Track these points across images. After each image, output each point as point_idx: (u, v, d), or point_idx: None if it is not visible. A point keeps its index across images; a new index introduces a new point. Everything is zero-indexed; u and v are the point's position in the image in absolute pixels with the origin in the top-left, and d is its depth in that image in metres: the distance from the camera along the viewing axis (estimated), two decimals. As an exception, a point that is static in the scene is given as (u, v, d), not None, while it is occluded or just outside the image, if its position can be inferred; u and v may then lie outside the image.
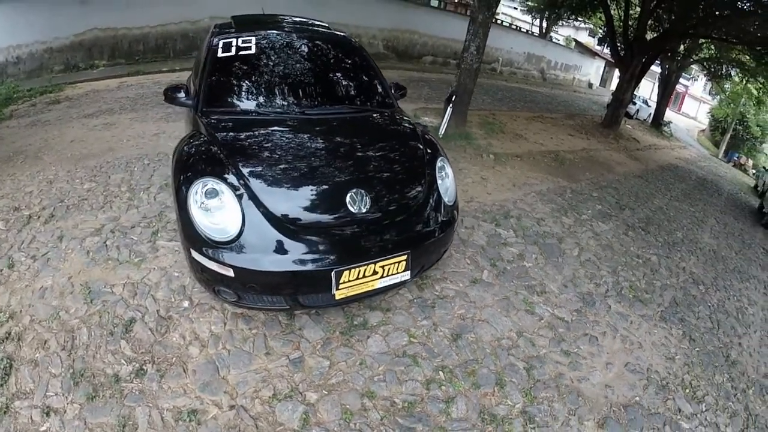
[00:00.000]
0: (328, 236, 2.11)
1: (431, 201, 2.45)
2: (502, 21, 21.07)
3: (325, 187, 2.25)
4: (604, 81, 33.60)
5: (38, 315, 2.35)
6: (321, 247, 2.08)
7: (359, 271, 2.10)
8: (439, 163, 2.67)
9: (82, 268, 2.73)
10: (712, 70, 17.26)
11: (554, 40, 27.98)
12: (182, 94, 2.73)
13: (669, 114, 21.22)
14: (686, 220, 6.86)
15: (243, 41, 2.94)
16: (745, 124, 24.71)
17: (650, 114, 20.87)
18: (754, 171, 22.06)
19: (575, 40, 32.56)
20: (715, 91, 24.71)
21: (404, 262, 2.22)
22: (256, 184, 2.14)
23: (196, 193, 2.07)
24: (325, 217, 2.17)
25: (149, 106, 5.94)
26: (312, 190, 2.23)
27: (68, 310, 2.40)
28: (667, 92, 19.91)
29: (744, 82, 17.57)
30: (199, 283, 2.35)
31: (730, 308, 4.30)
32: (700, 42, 14.62)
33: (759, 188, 14.63)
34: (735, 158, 24.08)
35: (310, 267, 2.04)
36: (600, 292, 3.63)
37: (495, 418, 2.16)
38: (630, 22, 13.02)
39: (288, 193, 2.19)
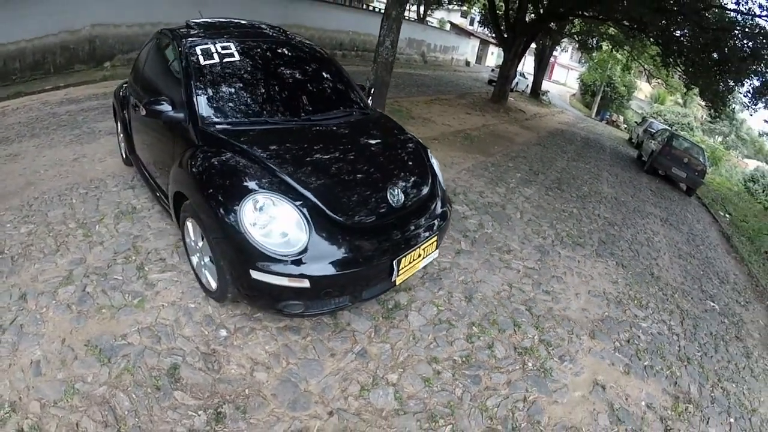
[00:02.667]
0: (384, 229, 2.41)
1: (437, 187, 2.93)
2: (378, 8, 22.16)
3: (366, 186, 2.52)
4: (480, 58, 37.20)
5: (47, 396, 1.98)
6: (382, 240, 2.37)
7: (411, 256, 2.48)
8: (430, 154, 3.20)
9: (72, 326, 2.38)
10: (584, 42, 20.15)
11: (429, 23, 30.10)
12: (168, 108, 2.63)
13: (543, 83, 24.30)
14: (586, 176, 8.35)
15: (222, 47, 2.98)
16: (613, 85, 29.26)
17: (528, 85, 23.85)
18: (625, 126, 26.25)
19: (450, 22, 35.47)
20: (584, 59, 28.66)
21: (434, 243, 2.67)
22: (307, 191, 2.28)
23: (249, 211, 2.13)
24: (377, 212, 2.43)
25: (51, 129, 5.46)
26: (357, 189, 2.47)
27: (85, 379, 2.08)
28: (542, 65, 23.03)
29: (612, 51, 20.78)
30: (253, 304, 2.46)
31: (641, 239, 5.57)
32: (571, 19, 16.96)
33: (633, 140, 17.69)
34: (607, 117, 28.46)
35: (379, 260, 2.32)
36: (548, 243, 4.53)
37: (526, 350, 2.84)
38: (510, 6, 14.85)
39: (338, 194, 2.37)
